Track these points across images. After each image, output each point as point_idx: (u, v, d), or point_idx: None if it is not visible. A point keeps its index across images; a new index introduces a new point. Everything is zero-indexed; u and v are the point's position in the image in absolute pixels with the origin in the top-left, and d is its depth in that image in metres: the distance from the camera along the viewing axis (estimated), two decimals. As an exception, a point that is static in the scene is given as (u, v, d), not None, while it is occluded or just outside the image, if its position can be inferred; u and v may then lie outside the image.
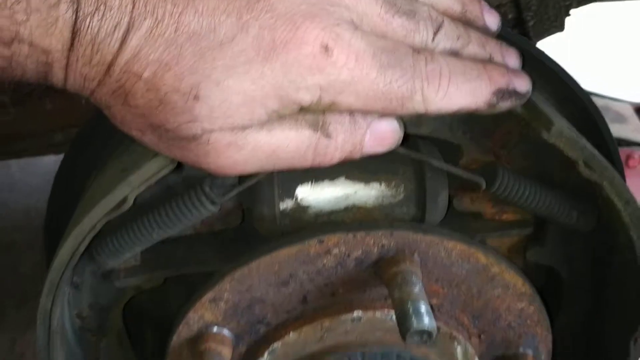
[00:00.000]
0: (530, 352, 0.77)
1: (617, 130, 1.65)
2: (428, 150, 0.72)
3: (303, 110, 0.58)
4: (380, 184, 0.72)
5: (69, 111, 1.06)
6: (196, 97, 0.55)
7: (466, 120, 0.70)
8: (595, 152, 0.67)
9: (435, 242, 0.68)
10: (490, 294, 0.72)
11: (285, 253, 0.67)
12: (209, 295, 0.69)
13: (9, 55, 0.54)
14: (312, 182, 0.71)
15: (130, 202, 0.64)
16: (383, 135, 0.63)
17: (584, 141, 0.66)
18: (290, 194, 0.71)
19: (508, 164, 0.72)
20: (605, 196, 0.69)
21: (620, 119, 1.71)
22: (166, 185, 0.71)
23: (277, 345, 0.71)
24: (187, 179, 0.71)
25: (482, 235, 0.76)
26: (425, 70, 0.60)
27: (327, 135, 0.60)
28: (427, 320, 0.60)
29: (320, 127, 0.60)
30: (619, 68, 2.32)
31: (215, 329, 0.70)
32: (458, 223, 0.75)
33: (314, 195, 0.71)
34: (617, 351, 0.79)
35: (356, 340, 0.70)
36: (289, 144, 0.59)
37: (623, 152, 1.60)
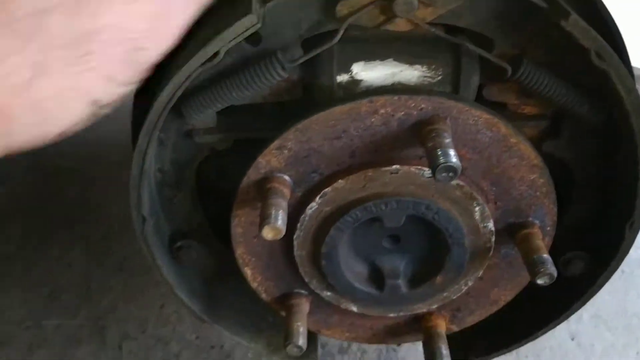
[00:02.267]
0: (537, 222, 0.89)
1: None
2: (465, 39, 0.86)
3: None
4: (423, 66, 0.85)
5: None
6: None
7: (499, 15, 0.83)
8: (605, 43, 0.79)
9: (465, 109, 0.81)
10: (507, 162, 0.85)
11: (340, 110, 0.81)
12: (276, 143, 0.83)
13: None
14: (365, 60, 0.85)
15: (221, 55, 0.79)
16: None
17: (596, 32, 0.79)
18: (347, 69, 0.85)
19: (533, 59, 0.85)
20: (612, 86, 0.82)
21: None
22: (245, 57, 0.86)
23: (327, 190, 0.85)
24: (264, 51, 0.85)
25: None
26: None
27: None
28: (454, 159, 0.74)
29: None
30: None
31: (278, 174, 0.85)
32: None
33: (366, 71, 0.85)
34: (615, 237, 0.92)
35: (393, 190, 0.84)
36: None
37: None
